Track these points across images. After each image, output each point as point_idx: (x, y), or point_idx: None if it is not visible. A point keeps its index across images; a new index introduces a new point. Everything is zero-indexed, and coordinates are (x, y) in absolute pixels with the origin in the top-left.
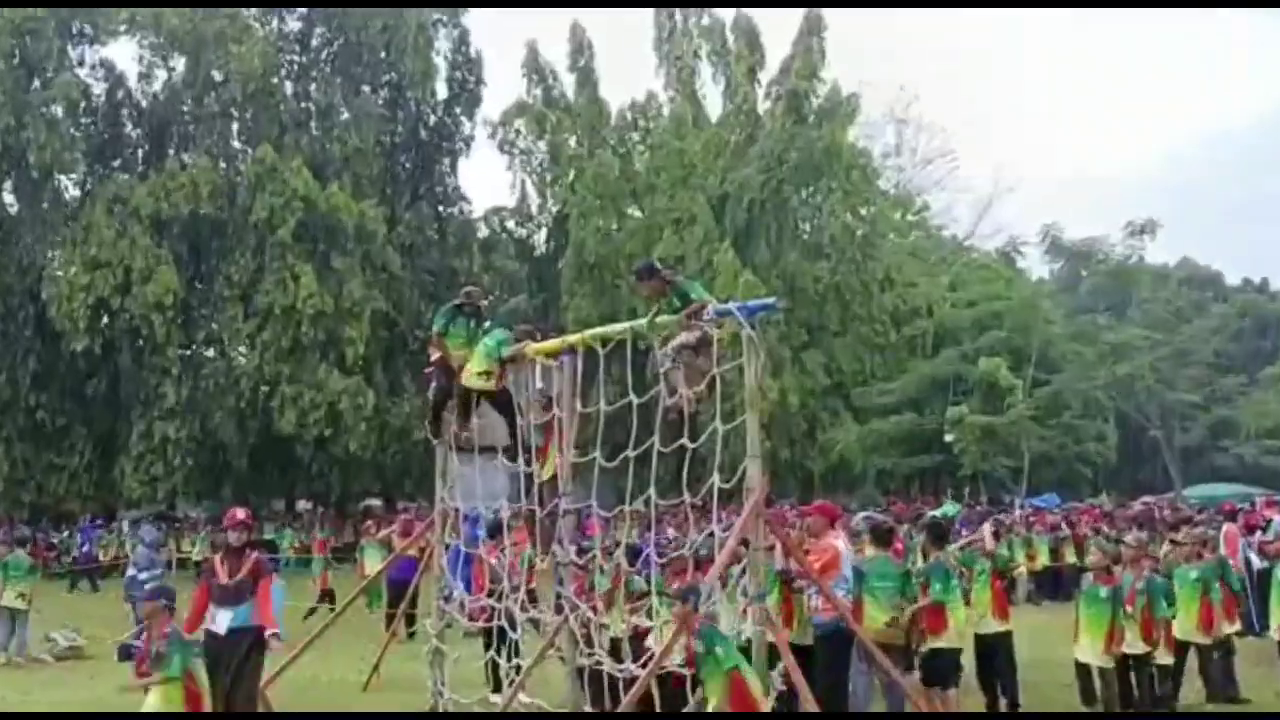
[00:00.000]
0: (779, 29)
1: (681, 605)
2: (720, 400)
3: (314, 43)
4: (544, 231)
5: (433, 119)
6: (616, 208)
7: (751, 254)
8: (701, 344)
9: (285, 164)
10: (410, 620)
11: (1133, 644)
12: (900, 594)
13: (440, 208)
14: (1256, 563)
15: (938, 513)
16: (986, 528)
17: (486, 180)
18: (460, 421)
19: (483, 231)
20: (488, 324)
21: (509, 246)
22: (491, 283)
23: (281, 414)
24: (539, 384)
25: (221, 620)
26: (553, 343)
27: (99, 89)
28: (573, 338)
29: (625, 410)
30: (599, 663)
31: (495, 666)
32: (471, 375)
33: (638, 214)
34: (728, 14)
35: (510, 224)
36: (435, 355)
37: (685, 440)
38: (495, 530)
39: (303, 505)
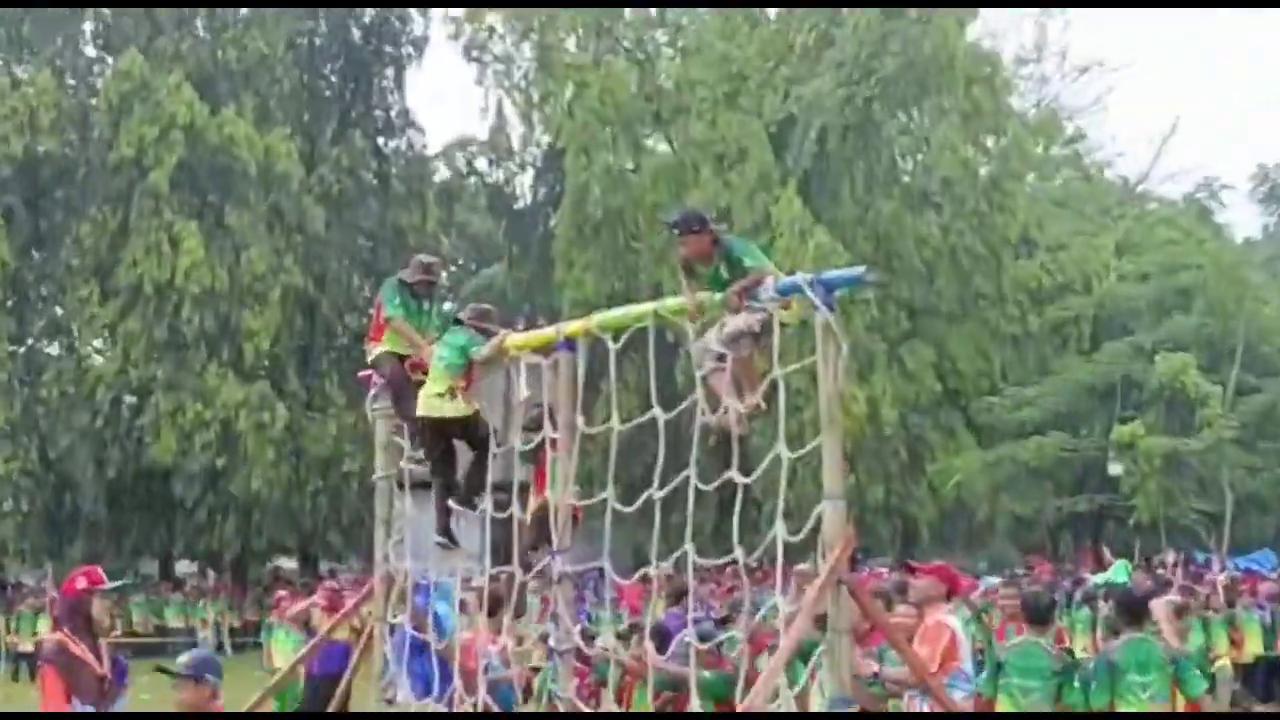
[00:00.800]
0: None
1: None
2: (784, 415)
3: None
4: (529, 174)
5: (369, 14)
6: (632, 139)
7: (826, 204)
8: (761, 334)
9: (159, 79)
10: None
11: None
12: (1056, 697)
13: (380, 140)
14: None
15: (1101, 578)
16: (1161, 607)
17: (447, 101)
18: (413, 445)
19: (442, 174)
20: (447, 308)
21: (479, 195)
22: (455, 249)
23: (155, 437)
24: (524, 391)
25: None
26: (543, 332)
27: None
28: (572, 325)
29: (648, 430)
30: None
31: None
32: (429, 398)
33: (663, 148)
34: None
35: (481, 163)
36: (379, 350)
37: (735, 474)
38: (495, 606)
39: (184, 568)
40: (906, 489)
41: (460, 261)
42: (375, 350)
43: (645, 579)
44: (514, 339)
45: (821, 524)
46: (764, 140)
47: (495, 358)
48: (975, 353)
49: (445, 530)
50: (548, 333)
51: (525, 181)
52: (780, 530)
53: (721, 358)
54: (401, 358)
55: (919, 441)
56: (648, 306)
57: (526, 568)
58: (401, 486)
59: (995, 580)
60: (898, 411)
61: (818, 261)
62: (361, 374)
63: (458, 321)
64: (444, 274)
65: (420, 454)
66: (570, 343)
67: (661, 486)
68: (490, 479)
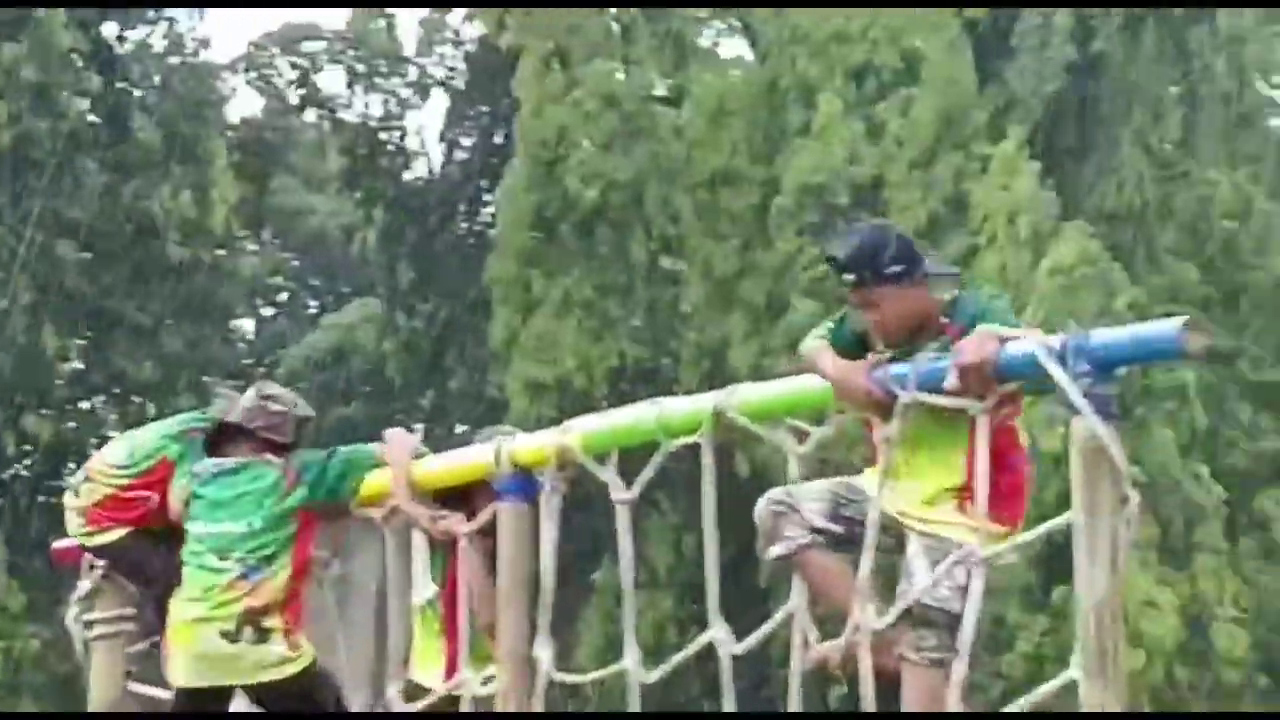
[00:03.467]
0: None
1: None
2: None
3: None
4: (433, 114)
5: None
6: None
7: (1058, 157)
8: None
9: None
10: None
11: None
12: None
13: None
14: None
15: None
16: None
17: None
18: None
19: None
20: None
21: (324, 151)
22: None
23: None
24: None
25: None
26: (467, 456)
27: None
28: (531, 442)
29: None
30: None
31: None
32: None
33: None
34: None
35: (326, 79)
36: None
37: None
38: None
39: None
40: None
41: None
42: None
43: None
44: (401, 467)
45: None
46: (945, 47)
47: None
48: None
49: None
50: (475, 455)
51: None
52: None
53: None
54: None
55: None
56: (704, 402)
57: None
58: None
59: None
60: (1247, 636)
61: (1063, 299)
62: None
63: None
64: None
65: None
66: (524, 480)
67: None
68: None
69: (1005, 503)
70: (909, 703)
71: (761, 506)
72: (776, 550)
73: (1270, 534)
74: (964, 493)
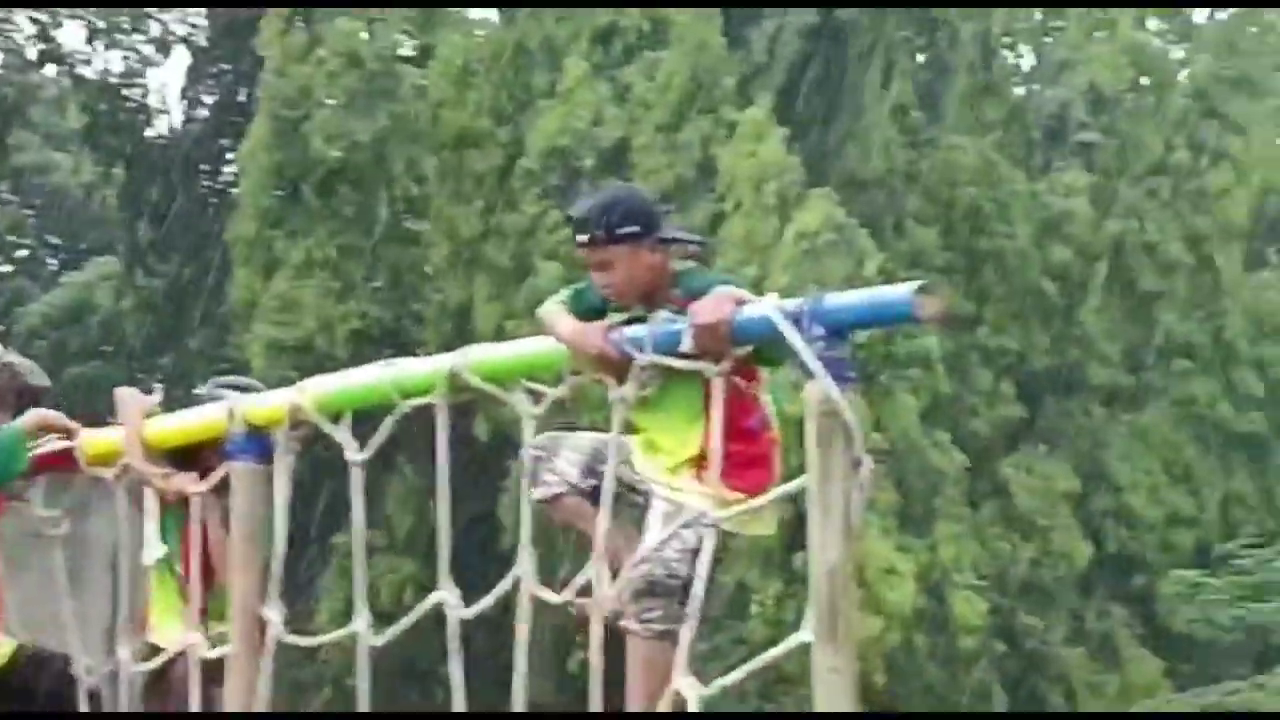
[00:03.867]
0: None
1: None
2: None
3: None
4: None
5: None
6: None
7: (806, 123)
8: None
9: None
10: None
11: None
12: None
13: None
14: None
15: None
16: None
17: None
18: None
19: None
20: None
21: (64, 107)
22: None
23: None
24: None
25: None
26: (200, 415)
27: None
28: (264, 401)
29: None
30: None
31: None
32: None
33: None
34: None
35: (66, 34)
36: None
37: None
38: None
39: None
40: None
41: None
42: None
43: None
44: (133, 426)
45: None
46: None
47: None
48: (1163, 479)
49: None
50: (208, 414)
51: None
52: None
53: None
54: None
55: (1031, 665)
56: (440, 364)
57: None
58: None
59: None
60: (987, 602)
61: (809, 266)
62: None
63: None
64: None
65: None
66: (257, 439)
67: None
68: None
69: (743, 471)
70: (632, 677)
71: (525, 450)
72: (536, 494)
73: (1010, 500)
74: (701, 462)
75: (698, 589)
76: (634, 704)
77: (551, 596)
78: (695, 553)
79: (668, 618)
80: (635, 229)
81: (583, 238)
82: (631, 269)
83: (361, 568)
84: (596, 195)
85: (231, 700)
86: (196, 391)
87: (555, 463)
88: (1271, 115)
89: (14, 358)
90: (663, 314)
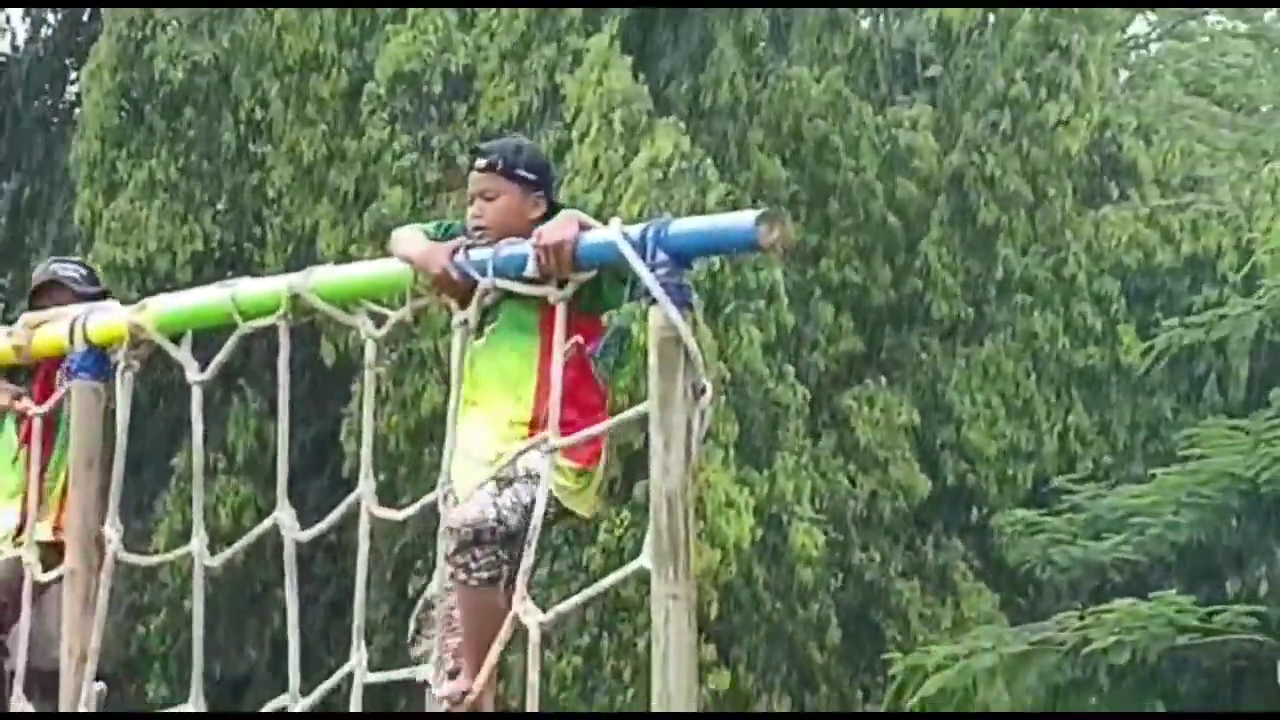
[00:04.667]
0: None
1: None
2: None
3: None
4: None
5: None
6: None
7: (653, 53)
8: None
9: None
10: None
11: None
12: None
13: None
14: None
15: None
16: None
17: None
18: None
19: None
20: None
21: None
22: None
23: None
24: None
25: None
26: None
27: None
28: (105, 319)
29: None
30: None
31: None
32: None
33: None
34: None
35: None
36: None
37: None
38: None
39: None
40: (840, 699)
41: None
42: None
43: None
44: None
45: None
46: None
47: None
48: (1002, 412)
49: None
50: (49, 331)
51: None
52: None
53: None
54: None
55: (869, 597)
56: (282, 284)
57: None
58: None
59: None
60: (825, 535)
61: (657, 194)
62: None
63: None
64: None
65: None
66: (97, 355)
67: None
68: None
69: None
70: (467, 629)
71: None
72: (416, 651)
73: (850, 434)
74: (532, 427)
75: (531, 537)
76: (471, 651)
77: (393, 514)
78: (528, 508)
79: (495, 564)
80: (532, 176)
81: (482, 163)
82: (509, 208)
83: (199, 489)
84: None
85: (69, 617)
86: (34, 270)
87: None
88: (1111, 49)
89: None
90: (507, 241)
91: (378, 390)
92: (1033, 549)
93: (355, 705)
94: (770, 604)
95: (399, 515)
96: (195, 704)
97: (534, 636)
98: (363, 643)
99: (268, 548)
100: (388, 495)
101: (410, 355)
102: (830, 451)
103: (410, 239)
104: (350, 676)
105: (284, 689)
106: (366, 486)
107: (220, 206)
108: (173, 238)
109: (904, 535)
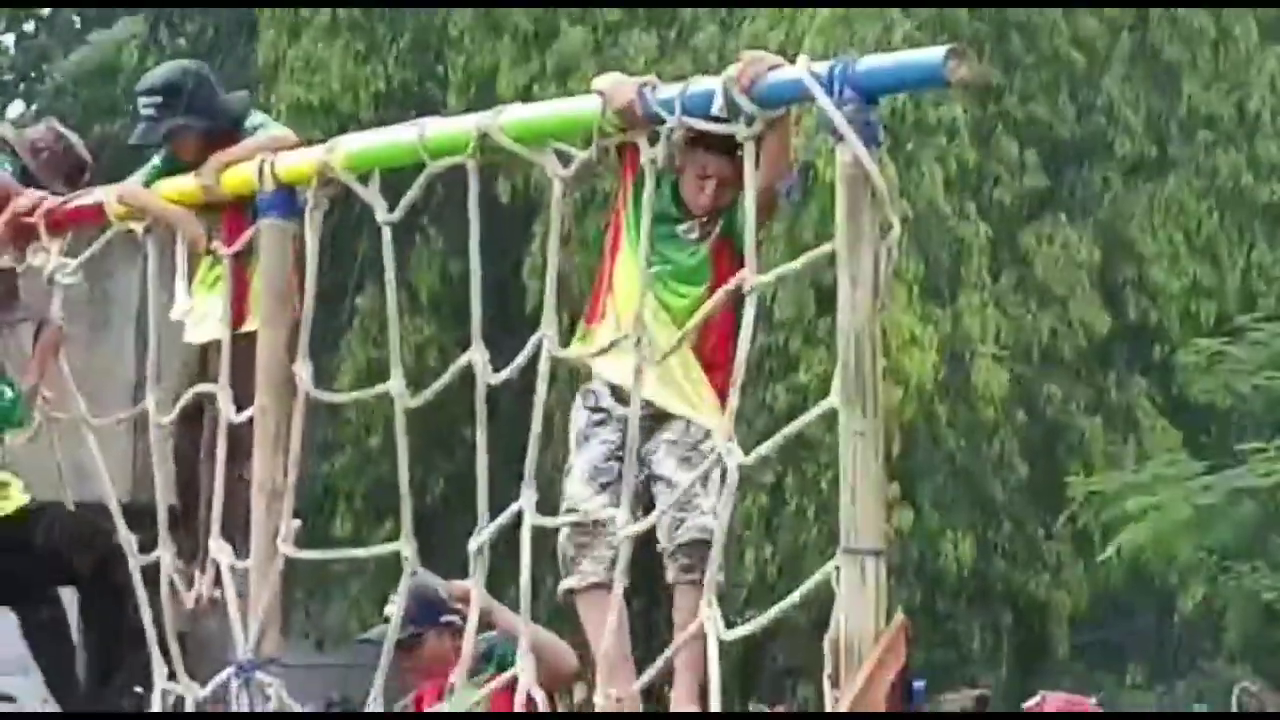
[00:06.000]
0: None
1: None
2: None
3: None
4: None
5: None
6: None
7: None
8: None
9: None
10: None
11: None
12: None
13: None
14: None
15: None
16: None
17: None
18: None
19: None
20: None
21: None
22: None
23: None
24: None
25: None
26: (239, 163)
27: None
28: (295, 158)
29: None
30: None
31: None
32: None
33: None
34: None
35: None
36: None
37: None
38: None
39: None
40: (1023, 536)
41: None
42: None
43: None
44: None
45: (835, 609)
46: None
47: None
48: (1184, 249)
49: None
50: (239, 171)
51: None
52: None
53: None
54: None
55: (1052, 434)
56: (470, 123)
57: None
58: None
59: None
60: (1008, 372)
61: (840, 31)
62: None
63: None
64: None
65: None
66: (285, 195)
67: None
68: None
69: (719, 372)
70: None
71: (563, 539)
72: (570, 581)
73: (1031, 270)
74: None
75: (719, 536)
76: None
77: (573, 354)
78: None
79: (703, 566)
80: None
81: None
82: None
83: (395, 329)
84: None
85: (260, 454)
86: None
87: (598, 552)
88: None
89: (66, 131)
90: (693, 82)
91: (561, 229)
92: (1215, 381)
93: (525, 544)
94: (954, 441)
95: (576, 355)
96: (407, 541)
97: (732, 479)
98: (534, 482)
99: (453, 386)
100: (568, 336)
101: (593, 194)
102: (1011, 288)
103: (610, 75)
104: (520, 515)
105: (461, 527)
106: (549, 329)
107: (402, 46)
108: (355, 78)
109: (1085, 372)
